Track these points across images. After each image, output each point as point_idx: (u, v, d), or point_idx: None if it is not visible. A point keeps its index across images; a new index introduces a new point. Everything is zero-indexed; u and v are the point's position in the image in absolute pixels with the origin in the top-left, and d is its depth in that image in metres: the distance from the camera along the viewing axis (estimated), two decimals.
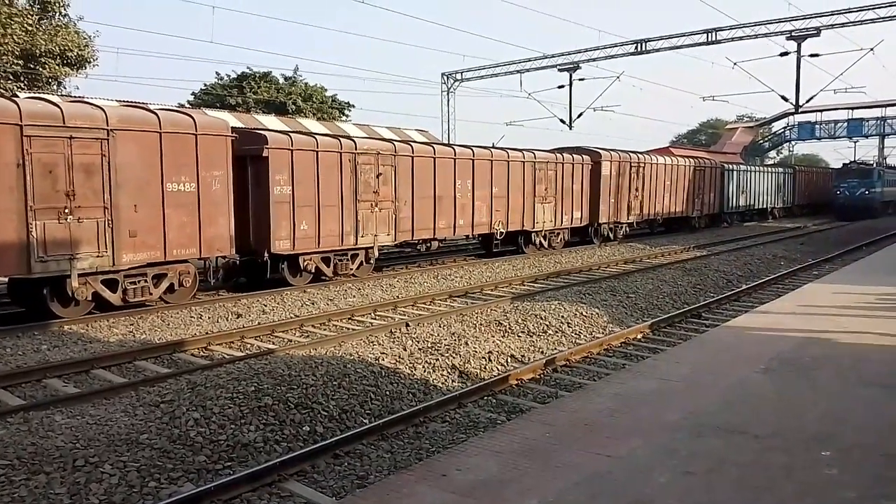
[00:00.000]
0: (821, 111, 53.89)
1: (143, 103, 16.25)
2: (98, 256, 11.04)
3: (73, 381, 8.31)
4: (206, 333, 10.49)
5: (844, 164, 45.44)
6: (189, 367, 8.74)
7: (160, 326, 11.02)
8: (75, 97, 23.71)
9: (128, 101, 18.94)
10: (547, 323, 11.33)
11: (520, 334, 10.78)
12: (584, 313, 12.17)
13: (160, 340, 10.09)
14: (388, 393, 7.82)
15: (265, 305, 12.61)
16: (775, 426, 5.19)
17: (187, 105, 37.70)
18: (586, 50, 34.22)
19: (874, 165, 43.64)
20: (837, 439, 4.90)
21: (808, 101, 29.54)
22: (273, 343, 10.19)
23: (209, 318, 11.67)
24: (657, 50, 32.40)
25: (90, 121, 10.85)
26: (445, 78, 40.27)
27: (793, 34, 28.24)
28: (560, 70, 34.97)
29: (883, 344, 7.87)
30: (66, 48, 25.91)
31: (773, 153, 71.03)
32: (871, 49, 27.01)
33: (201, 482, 5.55)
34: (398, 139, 20.28)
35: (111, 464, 5.63)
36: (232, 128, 13.24)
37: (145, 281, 11.86)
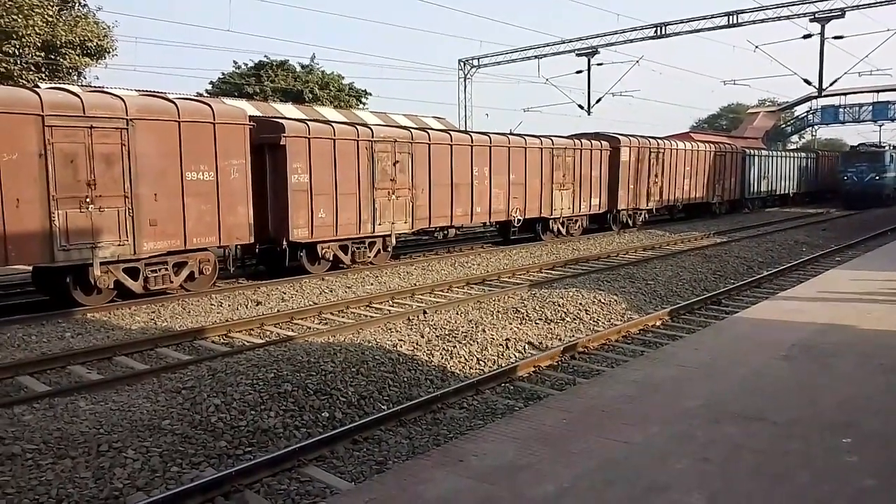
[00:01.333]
0: (845, 94, 52.77)
1: (161, 93, 16.38)
2: (119, 245, 11.18)
3: (96, 368, 8.46)
4: (226, 321, 10.61)
5: (852, 147, 41.76)
6: (209, 354, 8.85)
7: (181, 314, 11.16)
8: (95, 87, 23.96)
9: (147, 91, 19.07)
10: (565, 310, 11.31)
11: (537, 321, 10.77)
12: (603, 300, 12.11)
13: (181, 328, 10.22)
14: (406, 379, 7.86)
15: (284, 293, 12.71)
16: (794, 413, 5.15)
17: (205, 94, 37.90)
18: (604, 34, 33.85)
19: (886, 148, 39.16)
20: (857, 427, 4.86)
21: (831, 85, 29.06)
22: (292, 330, 10.28)
23: (229, 305, 11.80)
24: (677, 34, 31.95)
25: (110, 110, 10.96)
26: (462, 64, 40.07)
27: (816, 16, 27.71)
28: (578, 55, 34.66)
29: None
30: (86, 38, 26.16)
31: (795, 138, 69.94)
32: None
33: (222, 467, 5.63)
34: (415, 126, 20.24)
35: (134, 449, 5.73)
36: (249, 116, 13.30)
37: (166, 269, 12.00)
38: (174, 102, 12.01)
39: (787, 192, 38.03)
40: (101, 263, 11.02)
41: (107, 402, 6.81)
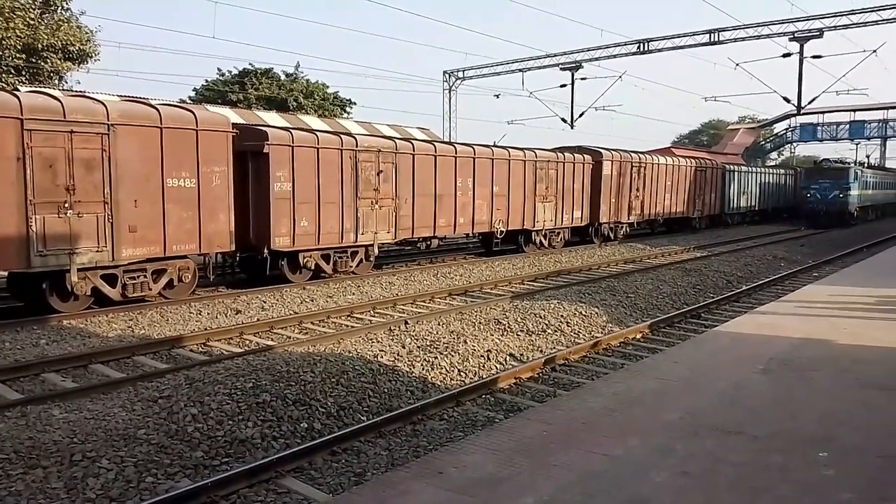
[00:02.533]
0: (823, 113, 53.87)
1: (144, 98, 16.24)
2: (98, 251, 11.04)
3: (71, 376, 8.32)
4: (205, 329, 10.50)
5: (815, 163, 39.81)
6: (187, 362, 8.75)
7: (159, 322, 11.02)
8: (76, 92, 23.70)
9: (129, 96, 18.92)
10: (546, 322, 11.32)
11: (519, 333, 10.77)
12: (584, 313, 12.16)
13: (159, 336, 10.09)
14: (386, 390, 7.81)
15: (264, 302, 12.61)
16: (773, 427, 5.19)
17: (188, 101, 37.66)
18: (588, 49, 34.18)
19: (850, 164, 37.09)
20: (835, 440, 4.90)
21: (810, 103, 29.47)
22: (272, 340, 10.19)
23: (208, 314, 11.68)
24: (659, 50, 32.33)
25: (91, 115, 10.84)
26: (447, 76, 40.24)
27: (795, 35, 28.18)
28: (562, 69, 34.92)
29: (881, 346, 7.87)
30: (68, 42, 25.91)
31: (774, 154, 70.99)
32: (874, 51, 26.99)
33: (198, 478, 5.55)
34: (399, 137, 20.26)
35: (108, 458, 5.62)
36: (233, 124, 13.23)
37: (145, 276, 11.86)
38: (156, 108, 11.92)
39: (766, 207, 38.42)
40: (79, 270, 10.86)
41: (81, 411, 6.69)
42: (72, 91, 24.18)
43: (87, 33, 26.98)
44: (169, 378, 7.76)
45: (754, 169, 39.06)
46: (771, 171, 41.67)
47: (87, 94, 13.67)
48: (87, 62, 27.54)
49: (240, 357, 8.69)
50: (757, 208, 37.39)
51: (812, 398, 5.96)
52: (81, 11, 27.64)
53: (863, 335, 8.41)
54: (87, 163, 10.80)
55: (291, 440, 6.40)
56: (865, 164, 41.73)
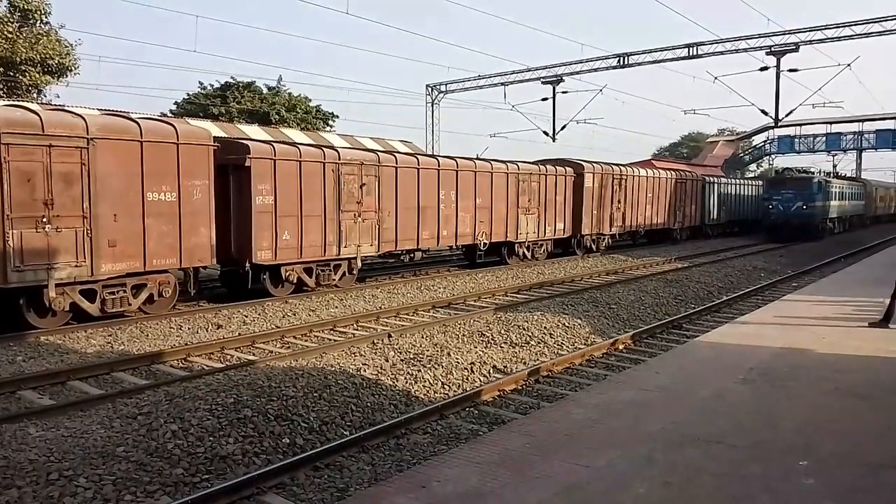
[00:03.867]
0: (800, 125, 54.70)
1: (124, 112, 16.14)
2: (76, 266, 10.90)
3: (48, 393, 8.18)
4: (186, 344, 10.39)
5: (778, 172, 37.18)
6: (168, 378, 8.64)
7: (139, 337, 10.89)
8: (55, 105, 23.50)
9: (109, 110, 18.79)
10: (530, 334, 11.35)
11: (502, 345, 10.78)
12: (567, 324, 12.20)
13: (139, 352, 9.97)
14: (369, 404, 7.78)
15: (246, 316, 12.51)
16: (753, 436, 5.22)
17: (170, 114, 37.47)
18: (569, 63, 34.50)
19: (815, 174, 34.96)
20: (815, 449, 4.94)
21: (787, 116, 29.96)
22: (253, 354, 10.10)
23: (189, 328, 11.56)
24: (639, 64, 32.71)
25: (70, 129, 10.75)
26: (430, 89, 40.42)
27: (772, 49, 28.67)
28: (543, 83, 35.22)
29: (860, 354, 7.97)
30: (47, 56, 25.70)
31: (753, 166, 71.92)
32: (849, 65, 27.50)
33: (178, 495, 5.47)
34: (382, 150, 20.29)
35: (86, 477, 5.54)
36: (214, 137, 13.17)
37: (124, 291, 11.72)
38: (136, 122, 11.84)
39: (747, 217, 38.68)
40: (57, 285, 10.72)
41: (58, 429, 6.58)
42: (51, 105, 23.99)
43: (66, 47, 26.78)
44: (148, 394, 7.66)
45: (734, 181, 39.50)
46: (751, 182, 42.09)
47: (66, 108, 13.57)
48: (67, 76, 27.33)
49: (221, 372, 8.61)
50: (738, 219, 37.72)
51: (792, 407, 6.02)
52: (61, 25, 27.33)
53: (841, 344, 8.52)
54: (65, 177, 10.69)
55: (273, 456, 6.34)
56: (832, 174, 40.19)
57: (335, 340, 10.93)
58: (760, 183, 42.71)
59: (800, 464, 4.66)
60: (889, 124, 52.32)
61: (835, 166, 50.05)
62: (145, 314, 12.16)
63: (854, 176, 48.99)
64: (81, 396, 7.95)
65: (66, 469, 5.63)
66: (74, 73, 27.49)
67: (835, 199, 36.32)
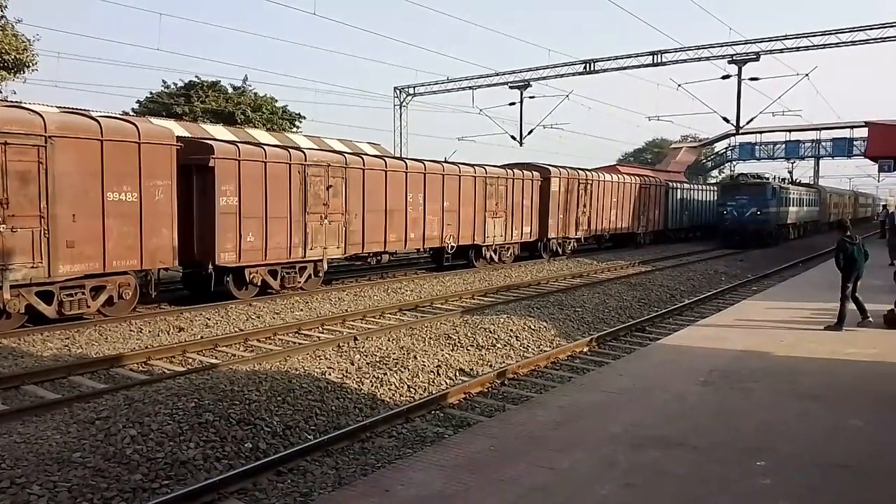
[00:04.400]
0: (760, 133, 55.99)
1: (84, 110, 15.77)
2: (32, 267, 10.60)
3: (1, 398, 7.93)
4: (146, 348, 10.18)
5: (732, 178, 36.64)
6: (127, 382, 8.45)
7: (98, 340, 10.64)
8: (12, 102, 22.82)
9: (68, 108, 18.34)
10: (496, 336, 11.39)
11: (469, 348, 10.80)
12: (533, 327, 12.28)
13: (97, 355, 9.74)
14: (334, 408, 7.72)
15: (209, 319, 12.31)
16: (713, 438, 5.32)
17: (132, 113, 36.72)
18: (537, 68, 34.78)
19: (769, 180, 34.29)
20: (772, 450, 5.05)
21: (747, 123, 30.65)
22: (216, 358, 9.94)
23: (150, 331, 11.33)
24: (605, 70, 33.15)
25: (27, 127, 10.46)
26: (398, 92, 40.36)
27: (734, 58, 29.31)
28: (511, 87, 35.45)
29: (816, 357, 8.18)
30: (3, 51, 24.96)
31: (715, 172, 73.34)
32: (807, 75, 28.25)
33: (137, 502, 5.36)
34: (349, 152, 20.18)
35: (40, 484, 5.38)
36: (177, 137, 12.95)
37: (83, 293, 11.44)
38: (97, 120, 11.58)
39: (709, 222, 39.26)
40: (12, 286, 10.41)
41: (11, 435, 6.38)
42: (7, 101, 23.31)
43: (23, 42, 26.04)
44: (107, 398, 7.48)
45: (696, 186, 40.19)
46: (711, 188, 42.82)
47: (23, 105, 13.18)
48: (24, 72, 26.55)
49: (182, 376, 8.45)
50: (699, 224, 38.36)
51: (750, 409, 6.15)
52: (17, 19, 26.57)
53: (799, 347, 8.74)
54: (22, 176, 10.40)
55: (235, 461, 6.24)
56: (787, 180, 39.67)
57: (300, 344, 10.82)
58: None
59: (757, 464, 4.76)
60: (844, 133, 53.86)
61: (790, 172, 50.24)
62: (105, 317, 11.89)
63: (809, 182, 49.85)
64: (36, 401, 7.73)
65: (19, 476, 5.46)
66: (32, 69, 26.74)
67: (789, 205, 36.05)
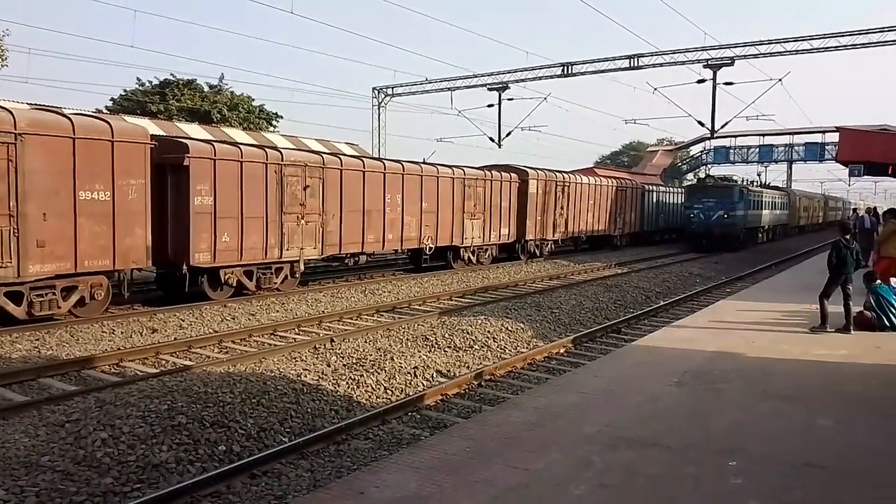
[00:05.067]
0: (735, 136, 56.76)
1: (56, 107, 15.50)
2: (1, 267, 10.39)
3: None
4: (119, 349, 10.03)
5: (699, 180, 36.21)
6: (98, 384, 8.31)
7: (69, 342, 10.46)
8: None
9: (40, 105, 18.01)
10: (473, 338, 11.40)
11: (446, 349, 10.79)
12: (510, 328, 12.31)
13: (68, 356, 9.57)
14: (309, 410, 7.66)
15: (183, 320, 12.16)
16: (686, 438, 5.37)
17: (105, 111, 36.17)
18: (515, 70, 34.93)
19: (736, 182, 33.80)
20: (744, 450, 5.11)
21: (722, 127, 31.05)
22: (190, 359, 9.82)
23: (122, 333, 11.17)
24: (582, 73, 33.39)
25: None
26: (376, 92, 40.26)
27: (709, 63, 29.71)
28: (489, 89, 35.56)
29: (788, 358, 8.30)
30: None
31: (690, 175, 74.15)
32: (780, 80, 28.72)
33: None
34: (327, 152, 20.09)
35: (6, 489, 5.27)
36: (152, 135, 12.79)
37: (53, 293, 11.24)
38: (69, 118, 11.39)
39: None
40: None
41: None
42: None
43: None
44: (78, 401, 7.35)
45: (671, 189, 40.55)
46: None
47: None
48: None
49: (155, 378, 8.34)
50: (675, 226, 38.68)
51: (723, 410, 6.22)
52: None
53: (771, 348, 8.86)
54: None
55: (209, 464, 6.17)
56: (756, 183, 38.96)
57: (275, 345, 10.73)
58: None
59: (729, 464, 4.81)
60: (817, 138, 54.77)
61: (759, 174, 50.01)
62: (76, 318, 11.69)
63: (778, 185, 49.01)
64: (4, 403, 7.56)
65: None
66: (1, 66, 26.30)
67: (757, 208, 35.35)
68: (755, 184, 37.89)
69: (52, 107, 15.82)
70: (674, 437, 5.36)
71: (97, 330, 11.23)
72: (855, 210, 44.23)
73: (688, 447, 5.16)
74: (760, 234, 37.07)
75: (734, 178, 35.55)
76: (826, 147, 53.24)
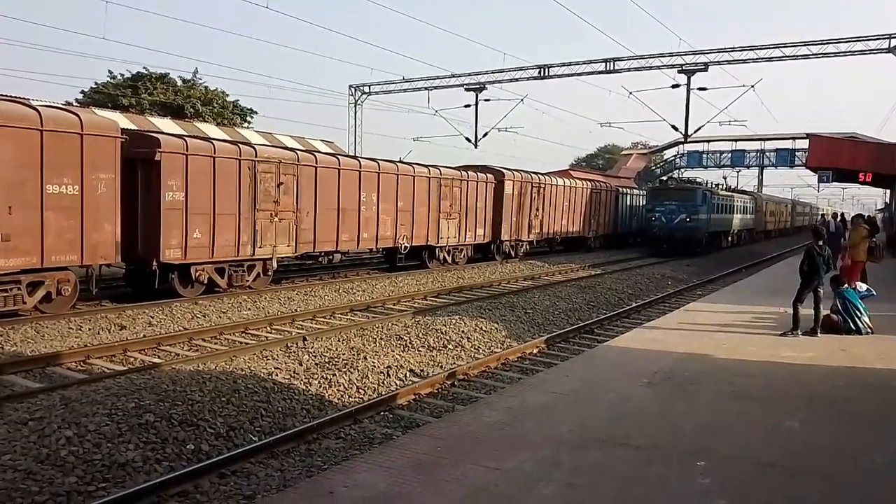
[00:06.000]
0: (708, 141, 57.44)
1: (23, 98, 15.17)
2: None
3: None
4: (86, 346, 9.85)
5: (661, 181, 34.37)
6: (64, 381, 8.14)
7: (34, 338, 10.23)
8: None
9: (6, 96, 17.61)
10: (447, 337, 11.39)
11: (420, 349, 10.77)
12: (484, 328, 12.33)
13: (32, 353, 9.37)
14: (280, 409, 7.59)
15: (152, 317, 11.97)
16: (655, 438, 5.42)
17: (75, 103, 35.52)
18: (492, 72, 35.02)
19: (698, 185, 32.90)
20: (712, 450, 5.17)
21: (695, 132, 31.44)
22: (158, 357, 9.67)
23: (90, 329, 10.96)
24: (559, 76, 33.58)
25: None
26: (353, 90, 40.08)
27: (683, 68, 30.07)
28: (467, 89, 35.60)
29: (756, 360, 8.43)
30: None
31: (664, 178, 74.94)
32: (752, 86, 29.17)
33: None
34: (301, 148, 19.94)
35: None
36: (122, 129, 12.58)
37: (18, 289, 10.99)
38: (37, 109, 11.15)
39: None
40: None
41: None
42: None
43: None
44: (42, 398, 7.19)
45: (645, 192, 40.92)
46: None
47: None
48: None
49: (122, 375, 8.20)
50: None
51: (692, 410, 6.29)
52: None
53: (740, 350, 8.99)
54: None
55: (176, 463, 6.08)
56: (721, 186, 37.89)
57: (247, 343, 10.62)
58: None
59: (697, 464, 4.86)
60: (787, 144, 55.72)
61: (725, 178, 48.79)
62: (42, 314, 11.45)
63: (744, 189, 48.37)
64: None
65: None
66: None
67: (722, 212, 34.32)
68: (720, 186, 37.12)
69: (19, 98, 15.47)
70: (643, 438, 5.40)
71: (63, 326, 11.00)
72: (823, 215, 44.72)
73: (657, 447, 5.21)
74: (724, 239, 36.15)
75: (698, 180, 34.59)
76: (796, 153, 54.13)
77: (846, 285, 10.71)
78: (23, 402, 7.12)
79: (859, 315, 10.26)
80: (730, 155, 60.44)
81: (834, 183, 36.81)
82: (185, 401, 7.09)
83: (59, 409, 6.71)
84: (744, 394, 6.84)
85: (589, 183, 32.39)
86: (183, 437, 6.48)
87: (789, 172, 63.09)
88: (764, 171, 62.90)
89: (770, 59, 29.47)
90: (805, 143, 36.97)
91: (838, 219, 22.99)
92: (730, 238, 37.27)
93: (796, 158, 54.44)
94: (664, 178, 35.09)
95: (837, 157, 23.04)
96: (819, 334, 9.94)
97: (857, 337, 9.95)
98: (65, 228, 11.31)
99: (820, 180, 29.37)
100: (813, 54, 28.67)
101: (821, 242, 10.19)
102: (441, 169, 21.71)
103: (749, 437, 5.55)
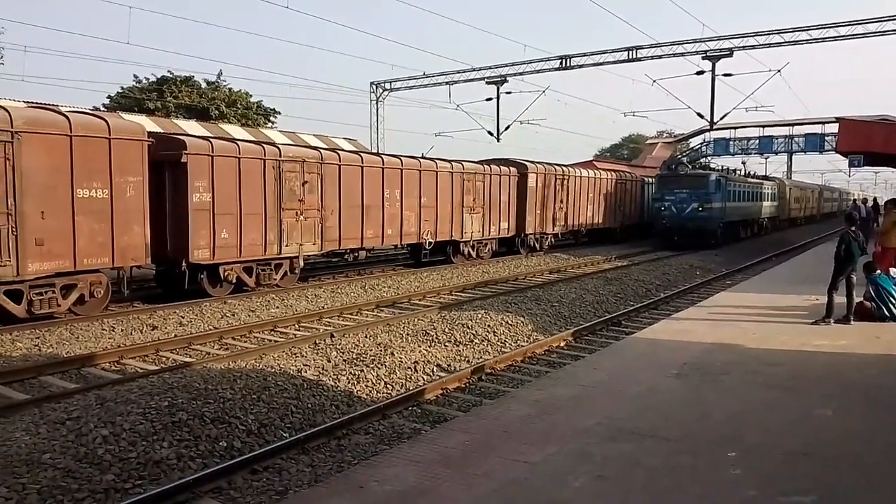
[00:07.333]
0: (734, 128, 56.60)
1: (52, 105, 15.50)
2: (1, 266, 10.40)
3: None
4: (119, 347, 10.05)
5: (670, 168, 31.47)
6: (99, 381, 8.34)
7: (69, 340, 10.47)
8: None
9: (36, 103, 18.00)
10: (473, 332, 11.41)
11: (446, 344, 10.80)
12: (510, 322, 12.32)
13: (68, 354, 9.59)
14: (310, 406, 7.68)
15: (182, 317, 12.17)
16: (684, 429, 5.38)
17: (102, 108, 36.11)
18: (513, 64, 34.82)
19: (713, 170, 30.45)
20: (741, 440, 5.13)
21: (721, 119, 30.92)
22: (190, 356, 9.84)
23: (122, 330, 11.18)
24: (581, 66, 33.26)
25: None
26: (374, 87, 40.16)
27: (708, 54, 29.60)
28: (488, 83, 35.45)
29: (786, 349, 8.31)
30: None
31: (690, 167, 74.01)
32: (779, 71, 28.65)
33: (109, 502, 5.29)
34: (325, 147, 20.07)
35: (8, 486, 5.28)
36: (149, 132, 12.78)
37: (53, 292, 11.25)
38: (66, 115, 11.38)
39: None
40: None
41: None
42: None
43: None
44: (78, 398, 7.36)
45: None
46: None
47: None
48: None
49: (155, 375, 8.36)
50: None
51: (721, 400, 6.23)
52: None
53: (769, 339, 8.87)
54: None
55: (210, 460, 6.19)
56: (738, 171, 35.03)
57: (275, 341, 10.75)
58: None
59: (728, 455, 4.82)
60: (816, 129, 54.65)
61: (744, 163, 45.49)
62: (76, 315, 11.71)
63: (767, 175, 45.42)
64: (5, 402, 7.59)
65: None
66: None
67: (739, 200, 31.55)
68: (738, 172, 34.62)
69: (48, 105, 15.82)
70: (672, 429, 5.37)
71: (97, 328, 11.25)
72: (854, 201, 43.45)
73: (686, 438, 5.17)
74: (742, 230, 33.32)
75: (714, 166, 32.15)
76: (826, 138, 53.06)
77: (878, 271, 10.51)
78: (60, 402, 7.30)
79: (893, 301, 10.06)
80: (757, 141, 59.44)
81: (866, 167, 35.97)
82: (217, 399, 7.20)
83: (95, 408, 6.86)
84: (775, 383, 6.76)
85: (613, 174, 32.09)
86: (215, 434, 6.59)
87: (819, 158, 61.92)
88: (793, 157, 61.76)
89: (797, 42, 28.87)
90: (835, 128, 36.24)
91: (869, 203, 22.51)
92: (750, 228, 34.89)
93: (826, 143, 53.36)
94: (673, 165, 31.43)
95: (869, 141, 22.47)
96: (852, 322, 9.77)
97: (891, 324, 9.76)
98: (95, 231, 11.54)
99: (851, 165, 28.63)
100: (842, 36, 28.02)
101: (854, 227, 10.01)
102: (463, 163, 21.70)
103: (780, 427, 5.48)
